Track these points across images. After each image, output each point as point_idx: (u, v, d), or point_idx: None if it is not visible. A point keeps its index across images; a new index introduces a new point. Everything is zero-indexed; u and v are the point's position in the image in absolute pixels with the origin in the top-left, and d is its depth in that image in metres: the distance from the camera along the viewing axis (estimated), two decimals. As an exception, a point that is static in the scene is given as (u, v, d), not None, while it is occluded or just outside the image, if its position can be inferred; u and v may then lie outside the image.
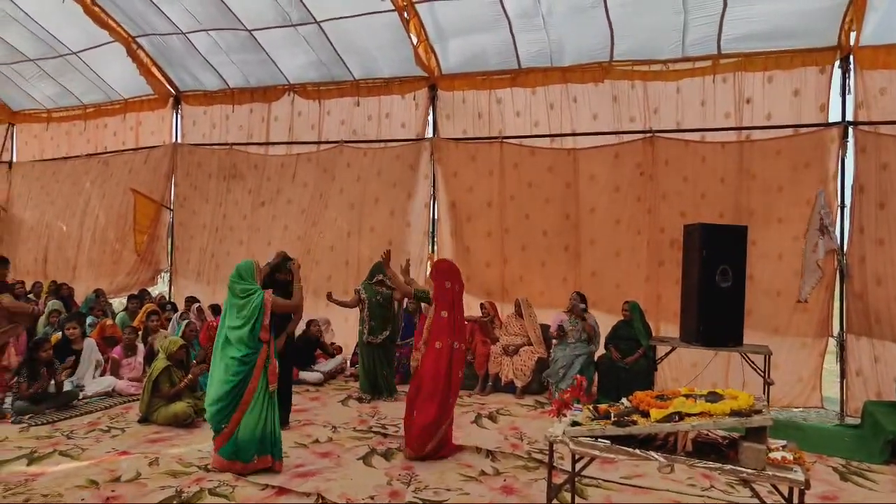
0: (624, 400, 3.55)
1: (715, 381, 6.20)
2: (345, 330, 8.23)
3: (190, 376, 5.61)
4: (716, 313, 5.67)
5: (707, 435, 3.17)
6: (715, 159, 6.96)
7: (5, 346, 6.10)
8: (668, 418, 3.02)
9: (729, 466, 2.90)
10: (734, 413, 2.96)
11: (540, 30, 7.27)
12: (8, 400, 5.75)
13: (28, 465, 4.38)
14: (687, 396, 3.26)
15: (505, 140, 7.97)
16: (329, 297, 6.86)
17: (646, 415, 3.15)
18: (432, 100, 8.37)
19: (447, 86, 8.24)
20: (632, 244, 7.35)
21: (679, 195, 7.11)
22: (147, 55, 9.42)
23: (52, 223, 11.35)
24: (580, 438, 3.13)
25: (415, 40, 7.64)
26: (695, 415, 3.01)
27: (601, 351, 6.73)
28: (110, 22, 8.80)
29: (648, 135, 7.25)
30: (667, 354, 6.52)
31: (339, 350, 8.00)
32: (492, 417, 5.90)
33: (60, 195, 11.29)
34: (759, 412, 2.98)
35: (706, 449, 3.07)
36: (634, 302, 6.68)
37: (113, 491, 3.95)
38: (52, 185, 11.46)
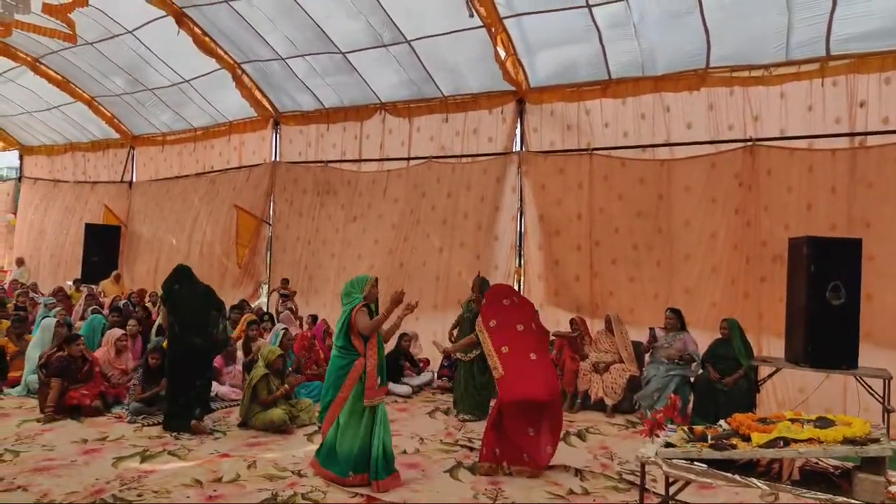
0: (722, 422, 3.36)
1: (829, 407, 5.72)
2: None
3: (286, 386, 5.86)
4: (826, 333, 5.24)
5: (816, 463, 2.94)
6: (824, 168, 6.49)
7: (124, 351, 6.66)
8: (771, 443, 2.83)
9: (842, 499, 2.68)
10: (847, 441, 2.74)
11: (631, 39, 7.11)
12: (125, 402, 6.25)
13: (141, 462, 4.72)
14: (793, 421, 3.04)
15: (595, 152, 7.83)
16: (438, 347, 6.79)
17: (746, 439, 2.96)
18: (520, 113, 8.37)
19: (535, 99, 8.22)
20: (729, 259, 6.96)
21: (783, 206, 6.68)
22: (250, 80, 10.07)
23: (163, 237, 12.29)
24: (674, 460, 2.99)
25: (503, 55, 7.68)
26: (802, 441, 2.80)
27: (698, 370, 6.40)
28: (218, 51, 9.50)
29: (749, 143, 6.88)
30: (770, 376, 6.10)
31: (427, 363, 8.09)
32: (581, 436, 5.75)
33: (172, 212, 12.22)
34: (876, 441, 2.73)
35: (815, 479, 2.85)
36: (734, 319, 6.30)
37: (215, 491, 4.19)
38: (166, 203, 12.43)
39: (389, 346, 6.42)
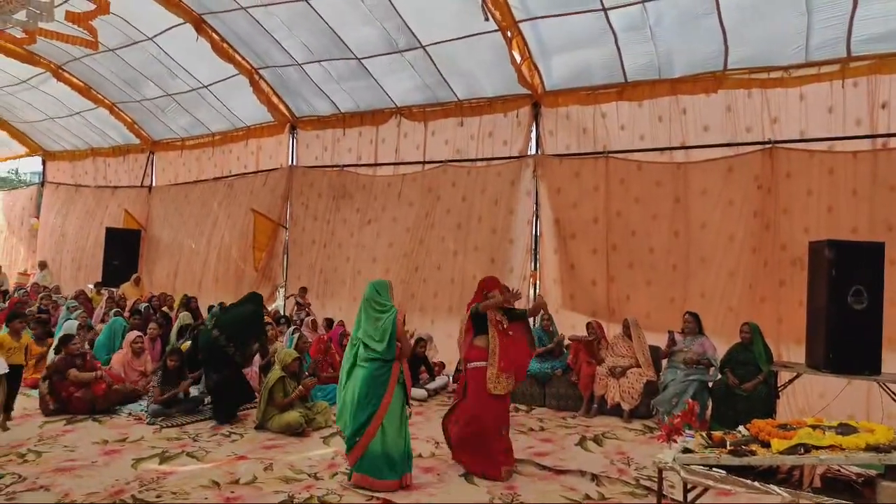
0: (741, 428, 3.32)
1: (851, 414, 5.62)
2: (449, 347, 8.32)
3: (301, 388, 5.90)
4: (848, 338, 5.14)
5: (838, 471, 2.89)
6: (845, 170, 6.40)
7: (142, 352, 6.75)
8: (792, 450, 2.80)
9: (865, 507, 2.63)
10: (870, 448, 2.69)
11: (647, 42, 7.08)
12: (144, 403, 6.33)
13: (160, 463, 4.78)
14: (814, 427, 3.00)
15: (611, 155, 7.79)
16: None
17: (766, 445, 2.93)
18: (535, 117, 8.36)
19: (551, 102, 8.20)
20: (747, 262, 6.89)
21: (802, 209, 6.60)
22: (268, 85, 10.16)
23: (182, 241, 12.44)
24: (692, 466, 2.96)
25: (518, 58, 7.68)
26: (823, 448, 2.76)
27: (716, 375, 6.32)
28: (236, 56, 9.61)
29: (767, 146, 6.81)
30: (790, 381, 6.01)
31: (442, 367, 8.09)
32: (597, 440, 5.71)
33: (191, 216, 12.36)
34: (901, 449, 2.68)
35: (837, 486, 2.81)
36: (755, 323, 6.22)
37: (232, 492, 4.23)
38: (185, 207, 12.58)
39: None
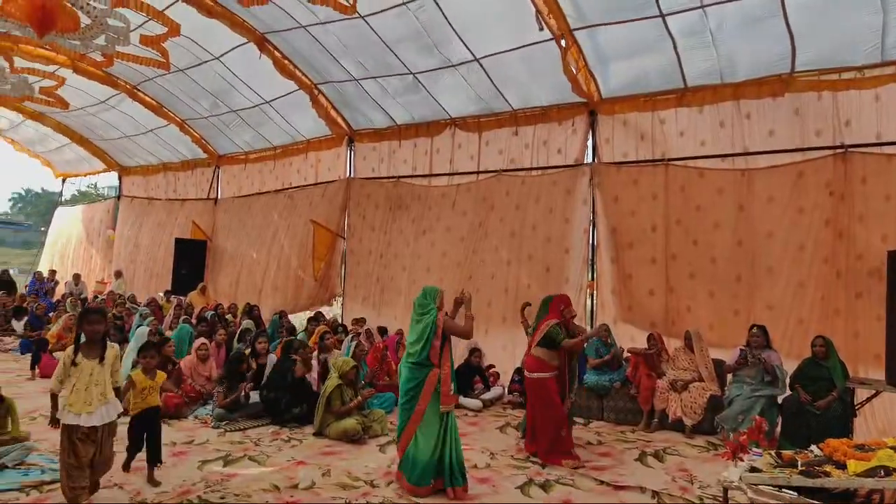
0: (814, 448, 3.16)
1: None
2: (503, 358, 8.28)
3: (359, 398, 5.99)
4: (932, 354, 4.84)
5: (923, 496, 2.71)
6: (926, 174, 6.02)
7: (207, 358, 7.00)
8: (871, 472, 2.64)
9: (954, 537, 2.45)
10: (959, 473, 2.51)
11: (708, 46, 6.88)
12: (209, 407, 6.57)
13: (224, 466, 4.94)
14: (895, 449, 2.82)
15: (670, 162, 7.60)
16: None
17: (841, 466, 2.77)
18: (591, 124, 8.26)
19: (607, 110, 8.09)
20: (818, 273, 6.55)
21: (880, 217, 6.23)
22: (326, 100, 10.44)
23: (244, 251, 12.88)
24: (760, 486, 2.84)
25: (573, 67, 7.61)
26: (906, 471, 2.59)
27: (785, 392, 6.02)
28: (297, 73, 9.93)
29: (840, 150, 6.49)
30: (869, 399, 5.68)
31: (497, 377, 8.05)
32: (658, 456, 5.54)
33: (253, 227, 12.79)
34: None
35: (922, 513, 2.63)
36: (829, 338, 5.90)
37: (292, 496, 4.33)
38: (247, 218, 13.04)
39: (459, 360, 6.42)
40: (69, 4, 7.11)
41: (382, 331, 9.00)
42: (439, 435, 4.38)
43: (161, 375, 4.81)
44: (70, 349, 3.87)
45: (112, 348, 4.02)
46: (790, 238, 6.76)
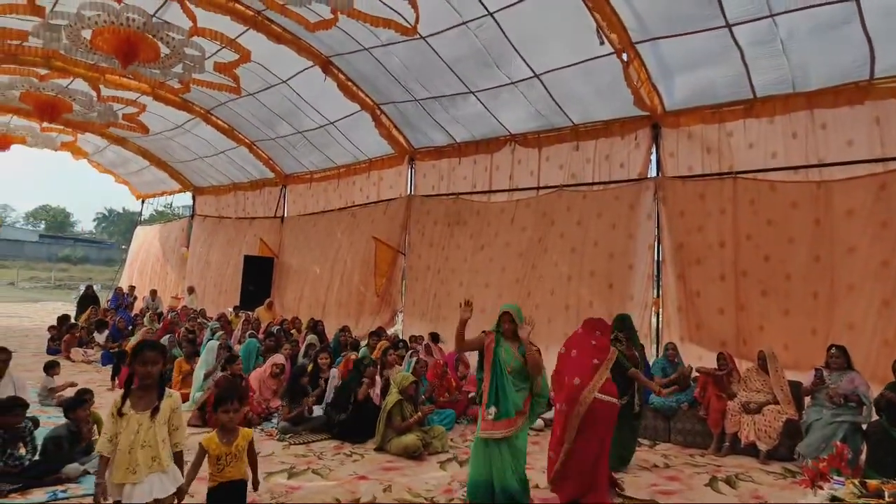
0: (903, 478, 2.94)
1: None
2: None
3: (419, 414, 6.01)
4: None
5: None
6: None
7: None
8: (968, 507, 2.43)
9: None
10: None
11: (778, 55, 6.64)
12: (274, 420, 6.74)
13: (288, 478, 5.05)
14: None
15: (739, 175, 7.33)
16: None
17: (935, 500, 2.57)
18: (655, 138, 8.09)
19: (671, 123, 7.90)
20: (906, 291, 6.14)
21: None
22: (388, 119, 10.68)
23: (309, 268, 13.24)
24: (843, 518, 2.66)
25: (636, 80, 7.50)
26: None
27: (870, 416, 5.63)
28: (360, 94, 10.21)
29: (926, 160, 6.10)
30: (965, 427, 5.24)
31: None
32: (729, 482, 5.28)
33: (318, 244, 13.15)
34: None
35: None
36: (916, 360, 5.49)
37: (354, 510, 4.36)
38: (312, 236, 13.43)
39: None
40: (151, 36, 7.59)
41: (434, 337, 9.01)
42: (482, 460, 4.15)
43: (246, 435, 3.49)
44: (118, 396, 3.05)
45: (170, 398, 3.10)
46: (873, 253, 6.37)
